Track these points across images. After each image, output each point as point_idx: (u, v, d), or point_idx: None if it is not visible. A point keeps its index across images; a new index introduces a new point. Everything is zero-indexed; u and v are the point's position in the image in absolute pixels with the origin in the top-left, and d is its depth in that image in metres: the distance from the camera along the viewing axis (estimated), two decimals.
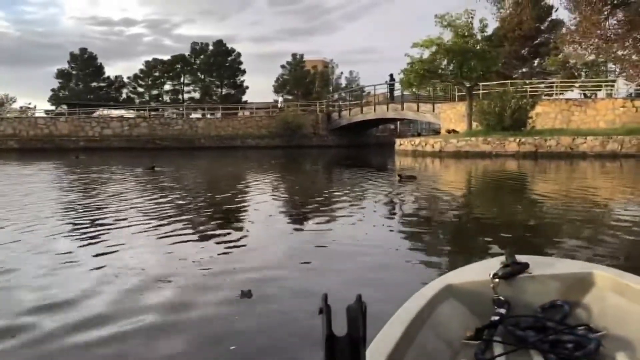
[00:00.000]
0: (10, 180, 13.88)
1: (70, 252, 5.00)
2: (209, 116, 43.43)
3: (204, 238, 5.75)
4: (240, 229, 6.53)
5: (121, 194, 10.30)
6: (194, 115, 43.62)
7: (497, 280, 1.84)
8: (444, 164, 20.07)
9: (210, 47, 65.22)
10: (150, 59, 65.87)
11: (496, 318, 1.69)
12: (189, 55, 65.43)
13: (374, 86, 39.33)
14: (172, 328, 3.04)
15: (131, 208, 8.17)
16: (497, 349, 1.55)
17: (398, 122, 49.21)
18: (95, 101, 53.80)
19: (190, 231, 6.16)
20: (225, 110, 45.10)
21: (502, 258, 1.99)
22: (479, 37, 25.88)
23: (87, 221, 6.95)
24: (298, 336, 2.88)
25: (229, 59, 65.42)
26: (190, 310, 3.34)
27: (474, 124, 25.29)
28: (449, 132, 27.71)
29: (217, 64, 64.13)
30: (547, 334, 1.58)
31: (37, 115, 42.07)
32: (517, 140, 21.37)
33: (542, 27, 40.91)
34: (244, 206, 8.77)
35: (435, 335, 1.62)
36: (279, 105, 47.62)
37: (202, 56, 65.06)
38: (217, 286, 3.84)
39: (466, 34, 25.38)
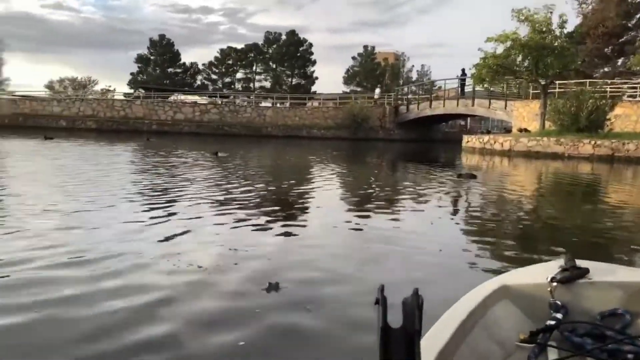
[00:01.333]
0: (90, 160, 14.58)
1: (139, 230, 5.16)
2: (278, 105, 43.93)
3: (260, 228, 5.74)
4: (296, 219, 6.51)
5: (183, 178, 10.57)
6: (263, 104, 44.23)
7: (554, 284, 1.78)
8: (513, 164, 19.41)
9: (283, 37, 65.95)
10: (224, 47, 67.49)
11: (552, 322, 1.64)
12: (262, 44, 66.49)
13: (445, 81, 38.55)
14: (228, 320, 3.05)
15: (188, 194, 8.35)
16: (552, 354, 1.50)
17: (468, 119, 47.99)
18: (170, 86, 55.66)
19: (245, 219, 6.19)
20: (293, 100, 45.48)
21: (561, 261, 1.94)
22: (557, 33, 24.69)
23: (161, 201, 7.17)
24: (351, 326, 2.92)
25: (301, 49, 65.95)
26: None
27: (547, 124, 24.27)
28: (520, 130, 26.73)
29: (289, 54, 64.81)
30: (605, 343, 1.51)
31: (116, 97, 43.97)
32: (593, 142, 20.31)
33: (630, 25, 38.59)
34: (301, 196, 8.75)
35: (488, 335, 1.60)
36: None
37: (274, 46, 65.95)
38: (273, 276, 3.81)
39: (544, 29, 24.31)
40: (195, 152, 18.69)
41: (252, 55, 66.11)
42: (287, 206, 7.51)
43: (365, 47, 66.52)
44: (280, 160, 18.43)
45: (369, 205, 7.88)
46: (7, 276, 3.58)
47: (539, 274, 1.88)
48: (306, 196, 8.81)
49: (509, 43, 24.61)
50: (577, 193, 11.41)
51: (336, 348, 2.72)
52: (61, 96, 45.69)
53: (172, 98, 42.74)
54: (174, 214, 6.26)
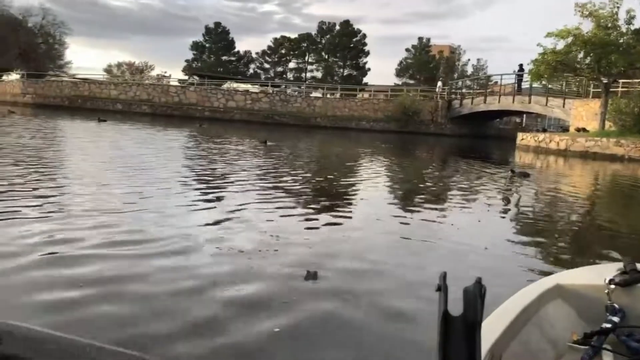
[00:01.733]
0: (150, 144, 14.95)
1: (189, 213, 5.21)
2: (328, 96, 43.85)
3: (304, 217, 5.72)
4: (339, 210, 6.46)
5: (233, 164, 10.68)
6: (314, 94, 44.25)
7: (612, 286, 1.73)
8: (568, 164, 18.77)
9: (337, 27, 65.68)
10: (278, 36, 67.82)
11: (608, 325, 1.59)
12: (315, 34, 66.45)
13: (501, 76, 37.40)
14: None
15: (237, 180, 8.42)
16: (607, 357, 1.46)
17: (524, 116, 46.62)
18: (224, 74, 56.41)
19: (290, 207, 6.17)
20: (344, 91, 45.26)
21: (620, 264, 1.88)
22: (623, 29, 23.56)
23: (208, 187, 7.26)
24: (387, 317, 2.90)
25: (354, 40, 65.56)
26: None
27: (607, 124, 23.27)
28: (578, 130, 25.74)
29: (341, 45, 64.53)
30: None
31: (171, 83, 44.90)
32: None
33: None
34: (346, 188, 8.69)
35: (540, 333, 1.58)
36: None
37: (328, 36, 65.79)
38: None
39: (609, 25, 23.23)
40: (247, 139, 18.86)
41: (305, 45, 66.17)
42: (331, 196, 7.46)
43: (420, 39, 65.52)
44: (328, 151, 18.38)
45: (415, 200, 7.76)
46: (61, 253, 3.67)
47: (596, 276, 1.84)
48: (351, 188, 8.75)
49: (570, 39, 23.62)
50: (635, 196, 10.90)
51: (369, 338, 2.66)
52: (118, 80, 47.04)
53: (225, 86, 43.27)
54: (222, 198, 6.33)
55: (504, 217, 7.06)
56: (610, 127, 23.01)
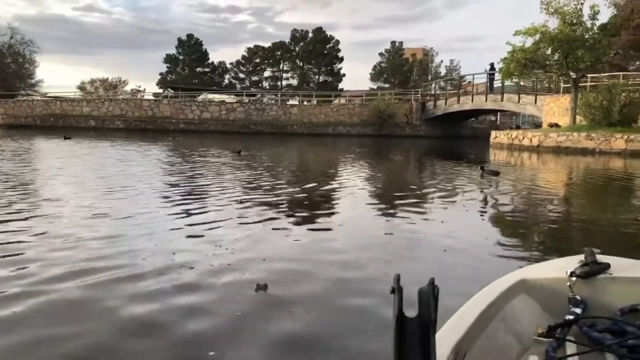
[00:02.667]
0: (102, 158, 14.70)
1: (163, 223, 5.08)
2: (305, 103, 43.87)
3: (273, 229, 5.62)
4: (306, 216, 6.37)
5: (201, 176, 10.54)
6: (290, 102, 44.25)
7: (574, 278, 1.77)
8: (542, 160, 18.93)
9: (310, 35, 65.86)
10: (252, 45, 67.74)
11: (571, 317, 1.63)
12: (289, 42, 66.54)
13: (473, 75, 37.80)
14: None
15: (203, 192, 8.28)
16: (570, 348, 1.49)
17: (498, 114, 47.12)
18: (199, 85, 56.15)
19: (255, 216, 6.07)
20: (320, 98, 45.33)
21: (581, 257, 1.91)
22: (588, 25, 23.94)
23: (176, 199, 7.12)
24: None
25: (328, 46, 65.78)
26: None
27: (578, 119, 23.58)
28: (551, 125, 26.04)
29: (315, 52, 64.70)
30: (625, 338, 1.48)
31: (145, 97, 44.55)
32: (625, 137, 19.63)
33: None
34: (320, 196, 8.59)
35: (506, 328, 1.59)
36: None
37: (301, 43, 65.94)
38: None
39: (574, 21, 23.60)
40: (220, 150, 18.70)
41: (279, 53, 66.21)
42: (298, 204, 7.36)
43: (393, 42, 65.97)
44: (303, 158, 18.31)
45: (386, 205, 7.69)
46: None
47: (559, 269, 1.86)
48: (322, 197, 8.64)
49: (537, 36, 23.97)
50: (604, 189, 10.98)
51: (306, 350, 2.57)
52: (90, 96, 46.52)
53: (200, 97, 43.06)
54: (185, 213, 6.17)
55: (479, 215, 7.02)
56: (581, 121, 23.32)
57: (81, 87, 61.36)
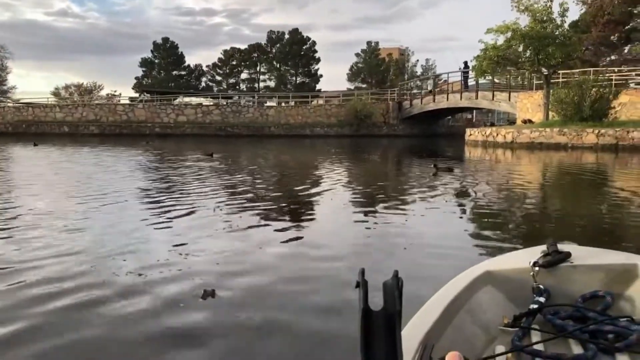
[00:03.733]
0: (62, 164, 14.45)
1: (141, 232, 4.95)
2: (283, 104, 43.75)
3: (226, 230, 5.53)
4: (270, 217, 6.28)
5: (170, 180, 10.40)
6: (269, 104, 44.06)
7: (537, 268, 1.81)
8: (516, 156, 19.11)
9: (287, 36, 65.70)
10: (228, 48, 67.37)
11: (535, 306, 1.67)
12: (265, 44, 66.29)
13: (448, 74, 38.04)
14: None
15: (172, 197, 8.16)
16: (535, 336, 1.53)
17: (474, 112, 47.51)
18: (175, 89, 55.64)
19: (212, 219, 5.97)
20: (297, 99, 45.24)
21: (543, 247, 1.96)
22: (558, 22, 24.23)
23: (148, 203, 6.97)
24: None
25: (304, 47, 65.68)
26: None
27: (551, 114, 23.83)
28: (524, 122, 26.31)
29: (292, 53, 64.56)
30: (587, 324, 1.54)
31: (119, 102, 44.02)
32: (596, 131, 19.87)
33: (635, 11, 37.82)
34: (291, 196, 8.52)
35: (472, 320, 1.62)
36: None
37: (278, 45, 65.74)
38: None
39: (545, 18, 23.87)
40: (192, 153, 18.51)
41: (256, 55, 65.96)
42: (264, 205, 7.27)
43: (369, 43, 66.09)
44: (276, 160, 18.20)
45: (354, 205, 7.65)
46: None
47: (522, 260, 1.90)
48: (290, 196, 8.58)
49: (509, 34, 24.21)
50: (580, 182, 11.08)
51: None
52: (63, 102, 45.82)
53: (177, 101, 42.69)
54: (147, 219, 6.06)
55: (452, 212, 7.01)
56: (554, 117, 23.55)
57: (55, 93, 60.35)
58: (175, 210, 6.60)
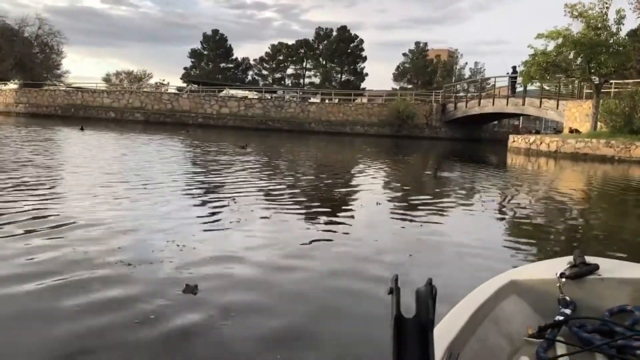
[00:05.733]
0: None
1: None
2: (326, 101, 43.66)
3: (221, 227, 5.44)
4: (281, 210, 6.18)
5: (195, 169, 10.44)
6: (312, 100, 44.04)
7: (563, 279, 1.78)
8: (559, 166, 18.48)
9: (334, 33, 65.55)
10: (276, 42, 67.70)
11: (560, 318, 1.63)
12: (312, 40, 66.34)
13: (495, 78, 37.14)
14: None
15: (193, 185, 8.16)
16: (560, 349, 1.51)
17: (521, 118, 46.29)
18: (222, 81, 56.30)
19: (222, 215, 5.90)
20: (340, 97, 45.05)
21: (570, 258, 1.92)
22: (614, 29, 23.24)
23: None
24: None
25: (352, 45, 65.40)
26: None
27: (599, 125, 22.93)
28: (571, 131, 25.43)
29: (339, 50, 64.36)
30: (614, 339, 1.50)
31: (164, 91, 44.81)
32: None
33: None
34: (324, 193, 8.40)
35: (497, 330, 1.61)
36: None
37: (325, 42, 65.67)
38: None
39: (599, 25, 22.93)
40: (226, 144, 18.63)
41: (303, 51, 66.06)
42: (309, 203, 7.16)
43: (417, 43, 65.27)
44: (308, 155, 18.08)
45: (393, 207, 7.46)
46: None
47: (548, 270, 1.88)
48: (309, 191, 8.45)
49: (560, 40, 23.37)
50: (624, 198, 10.55)
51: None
52: (111, 88, 46.95)
53: (222, 93, 43.14)
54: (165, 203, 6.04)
55: (491, 218, 6.78)
56: (602, 128, 22.68)
57: (106, 79, 62.05)
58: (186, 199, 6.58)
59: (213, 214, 5.76)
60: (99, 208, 5.66)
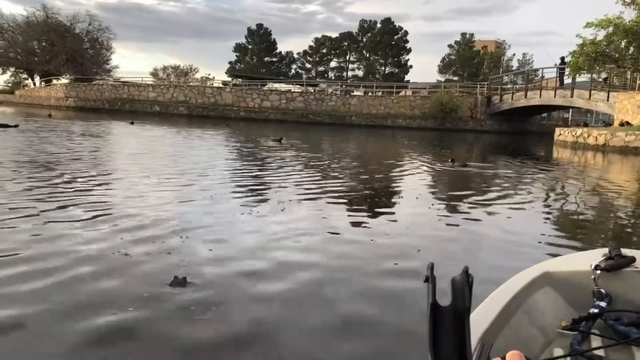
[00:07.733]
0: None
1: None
2: (369, 94, 43.33)
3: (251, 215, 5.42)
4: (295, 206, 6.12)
5: (228, 162, 10.50)
6: (355, 93, 43.78)
7: (598, 272, 1.75)
8: (607, 160, 17.71)
9: (378, 25, 65.01)
10: (320, 36, 67.69)
11: (595, 311, 1.62)
12: (356, 33, 65.98)
13: (542, 69, 35.97)
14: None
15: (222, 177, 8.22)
16: (595, 342, 1.50)
17: (571, 111, 44.74)
18: (266, 75, 56.71)
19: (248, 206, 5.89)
20: (383, 89, 44.61)
21: (605, 250, 1.90)
22: None
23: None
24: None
25: (396, 37, 64.75)
26: None
27: None
28: (622, 124, 24.33)
29: (383, 43, 63.82)
30: None
31: (208, 85, 45.46)
32: None
33: None
34: (324, 187, 8.31)
35: (530, 321, 1.61)
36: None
37: (369, 34, 65.24)
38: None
39: None
40: (263, 137, 18.71)
41: (346, 44, 65.83)
42: (304, 194, 7.10)
43: (463, 34, 64.08)
44: (346, 149, 17.93)
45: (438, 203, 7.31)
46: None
47: (583, 262, 1.86)
48: (337, 187, 8.35)
49: (610, 28, 22.47)
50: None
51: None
52: (156, 82, 47.92)
53: (266, 87, 43.45)
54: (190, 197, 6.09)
55: (540, 211, 6.56)
56: None
57: (153, 74, 63.46)
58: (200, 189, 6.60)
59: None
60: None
